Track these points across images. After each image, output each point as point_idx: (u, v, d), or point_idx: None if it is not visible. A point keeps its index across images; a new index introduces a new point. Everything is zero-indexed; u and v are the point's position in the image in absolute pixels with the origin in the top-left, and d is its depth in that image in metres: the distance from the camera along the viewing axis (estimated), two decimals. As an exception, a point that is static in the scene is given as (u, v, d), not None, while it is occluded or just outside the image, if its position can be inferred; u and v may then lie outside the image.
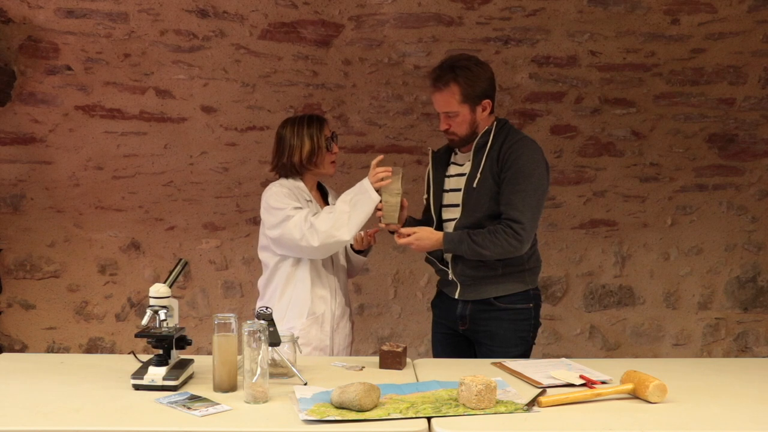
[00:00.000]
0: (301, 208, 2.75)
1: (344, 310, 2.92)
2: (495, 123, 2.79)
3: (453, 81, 2.69)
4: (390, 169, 2.69)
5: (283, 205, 2.75)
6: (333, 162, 2.88)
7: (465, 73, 2.70)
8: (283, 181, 2.86)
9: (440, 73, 2.72)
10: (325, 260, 2.86)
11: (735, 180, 4.27)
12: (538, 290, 2.88)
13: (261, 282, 2.94)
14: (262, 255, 2.90)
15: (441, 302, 2.97)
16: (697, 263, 4.31)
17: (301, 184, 2.86)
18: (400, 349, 2.47)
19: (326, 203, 2.94)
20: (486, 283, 2.77)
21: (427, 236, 2.73)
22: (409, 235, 2.72)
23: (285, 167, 2.85)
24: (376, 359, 2.50)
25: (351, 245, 2.92)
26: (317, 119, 2.86)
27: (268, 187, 2.85)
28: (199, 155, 4.19)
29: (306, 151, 2.80)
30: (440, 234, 2.74)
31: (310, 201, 2.85)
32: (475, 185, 2.73)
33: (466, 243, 2.69)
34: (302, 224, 2.68)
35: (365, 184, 2.71)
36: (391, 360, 2.46)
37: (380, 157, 2.76)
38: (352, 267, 3.01)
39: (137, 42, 4.08)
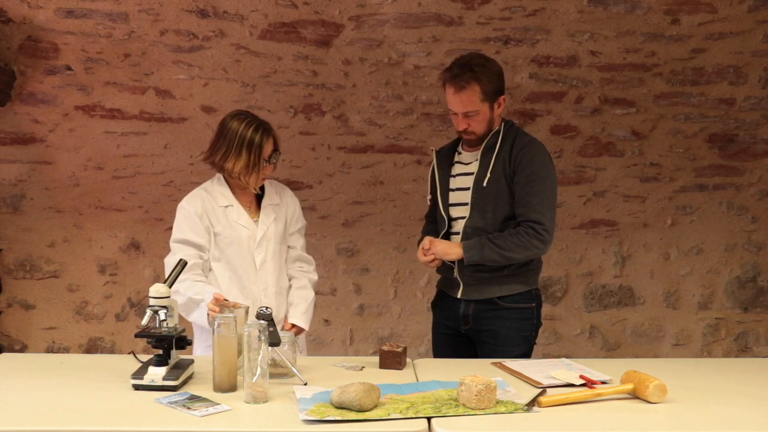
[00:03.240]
0: (186, 241, 2.66)
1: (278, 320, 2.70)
2: (503, 123, 2.81)
3: (474, 80, 2.69)
4: (217, 310, 2.38)
5: (174, 229, 2.71)
6: (263, 179, 2.74)
7: (483, 71, 2.71)
8: (195, 193, 2.76)
9: (458, 73, 2.70)
10: (244, 264, 2.71)
11: (735, 180, 4.27)
12: (539, 290, 2.90)
13: None
14: None
15: (442, 302, 2.97)
16: (697, 263, 4.31)
17: (224, 189, 2.75)
18: (400, 349, 2.47)
19: (258, 204, 2.78)
20: (490, 282, 2.78)
21: (445, 250, 2.76)
22: (431, 258, 2.77)
23: (215, 165, 2.73)
24: (376, 359, 2.50)
25: None
26: (264, 131, 2.66)
27: (186, 196, 2.77)
28: (199, 155, 4.18)
29: (241, 165, 2.66)
30: (458, 244, 2.75)
31: (229, 206, 2.73)
32: (485, 185, 2.74)
33: (488, 248, 2.70)
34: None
35: (203, 306, 2.51)
36: (391, 360, 2.46)
37: (218, 295, 2.48)
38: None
39: (137, 42, 4.08)
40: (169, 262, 2.64)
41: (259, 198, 2.81)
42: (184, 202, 2.75)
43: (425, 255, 2.78)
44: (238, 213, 2.74)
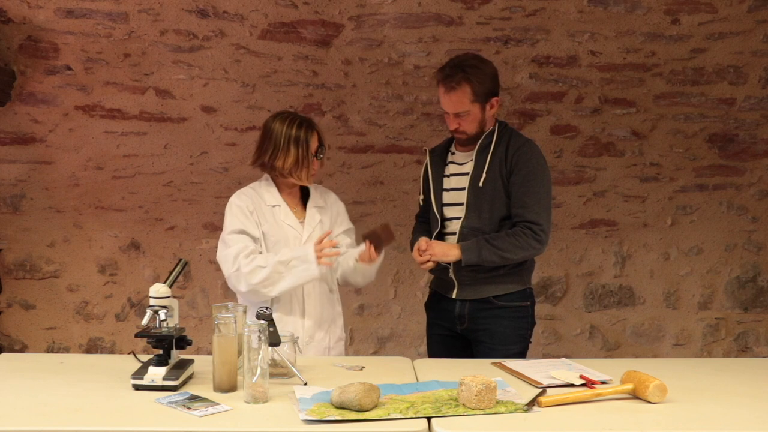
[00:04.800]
0: (244, 231, 2.66)
1: (318, 323, 2.74)
2: (497, 124, 2.81)
3: (464, 81, 2.70)
4: (339, 249, 2.60)
5: (227, 222, 2.69)
6: (313, 174, 2.76)
7: (475, 72, 2.71)
8: (244, 191, 2.77)
9: (450, 73, 2.72)
10: None
11: (735, 180, 4.27)
12: (532, 289, 2.91)
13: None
14: None
15: (436, 303, 2.97)
16: (697, 263, 4.31)
17: (272, 189, 2.77)
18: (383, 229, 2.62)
19: (304, 206, 2.81)
20: (485, 282, 2.78)
21: (444, 252, 2.76)
22: (427, 259, 2.76)
23: (265, 166, 2.74)
24: (376, 359, 2.50)
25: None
26: (308, 126, 2.72)
27: (235, 193, 2.77)
28: (199, 155, 4.19)
29: (290, 160, 2.68)
30: (455, 245, 2.75)
31: (276, 206, 2.74)
32: (481, 185, 2.75)
33: (486, 249, 2.70)
34: (231, 264, 2.61)
35: (310, 255, 2.58)
36: (383, 237, 2.59)
37: (328, 231, 2.68)
38: (360, 277, 2.82)
39: (137, 42, 4.08)
40: (228, 255, 2.63)
41: (304, 200, 2.83)
42: (235, 198, 2.76)
43: (421, 255, 2.77)
44: (285, 213, 2.75)
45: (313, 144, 2.72)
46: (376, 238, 2.63)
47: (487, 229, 2.75)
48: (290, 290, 2.65)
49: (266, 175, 2.81)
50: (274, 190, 2.77)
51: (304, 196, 2.84)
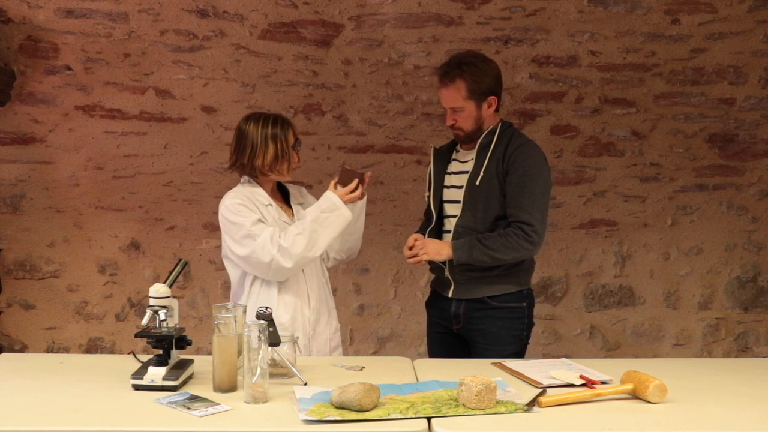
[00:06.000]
0: (261, 220, 2.63)
1: (320, 314, 2.77)
2: (501, 124, 2.81)
3: (459, 77, 2.72)
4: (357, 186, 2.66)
5: (241, 219, 2.61)
6: (294, 168, 2.77)
7: (471, 69, 2.73)
8: (236, 192, 2.73)
9: (447, 69, 2.75)
10: None
11: (735, 180, 4.27)
12: (532, 290, 2.90)
13: (232, 291, 2.82)
14: (226, 264, 2.78)
15: (435, 302, 2.98)
16: (697, 263, 4.31)
17: (258, 189, 2.74)
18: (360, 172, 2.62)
19: (287, 203, 2.82)
20: (481, 282, 2.78)
21: (437, 250, 2.76)
22: (416, 255, 2.77)
23: (244, 168, 2.72)
24: (376, 359, 2.50)
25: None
26: (282, 122, 2.72)
27: (222, 200, 2.72)
28: (199, 155, 4.19)
29: (270, 157, 2.68)
30: (448, 244, 2.75)
31: (269, 205, 2.72)
32: (477, 183, 2.75)
33: (477, 249, 2.70)
34: (270, 247, 2.56)
35: (336, 201, 2.61)
36: (349, 180, 2.61)
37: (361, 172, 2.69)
38: (354, 230, 2.82)
39: (137, 42, 4.09)
40: (263, 241, 2.57)
41: (285, 198, 2.85)
42: (232, 199, 2.69)
43: (410, 250, 2.79)
44: (278, 212, 2.75)
45: (290, 138, 2.73)
46: (351, 176, 2.65)
47: (481, 228, 2.75)
48: (329, 243, 2.66)
49: (246, 178, 2.77)
50: (261, 190, 2.75)
51: (282, 195, 2.86)
